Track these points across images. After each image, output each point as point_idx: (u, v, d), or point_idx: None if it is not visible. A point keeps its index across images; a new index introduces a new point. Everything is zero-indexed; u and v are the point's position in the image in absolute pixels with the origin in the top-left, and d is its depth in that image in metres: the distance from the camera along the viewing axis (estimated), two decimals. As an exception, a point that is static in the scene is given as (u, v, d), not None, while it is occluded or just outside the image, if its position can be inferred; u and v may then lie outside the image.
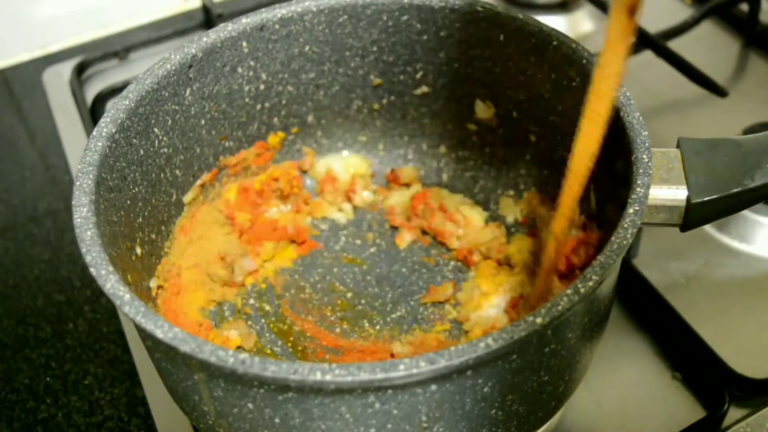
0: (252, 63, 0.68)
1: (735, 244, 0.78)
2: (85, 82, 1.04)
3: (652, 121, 0.91)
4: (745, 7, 1.01)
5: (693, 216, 0.54)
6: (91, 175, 0.54)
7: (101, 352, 0.74)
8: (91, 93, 0.99)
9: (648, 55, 0.95)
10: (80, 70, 1.03)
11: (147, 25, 1.14)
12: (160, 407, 0.68)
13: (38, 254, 0.84)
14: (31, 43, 1.11)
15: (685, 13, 1.03)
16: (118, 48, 1.06)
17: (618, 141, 0.56)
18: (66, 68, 1.05)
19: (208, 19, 1.10)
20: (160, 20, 1.14)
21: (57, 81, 1.05)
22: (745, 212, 0.78)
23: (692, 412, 0.65)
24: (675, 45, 0.94)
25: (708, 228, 0.79)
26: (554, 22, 1.05)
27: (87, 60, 1.04)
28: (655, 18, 1.02)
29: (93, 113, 0.96)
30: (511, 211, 0.74)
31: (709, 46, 1.01)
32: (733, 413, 0.65)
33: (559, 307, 0.45)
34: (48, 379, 0.73)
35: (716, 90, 0.90)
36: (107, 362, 0.73)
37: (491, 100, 0.72)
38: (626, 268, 0.73)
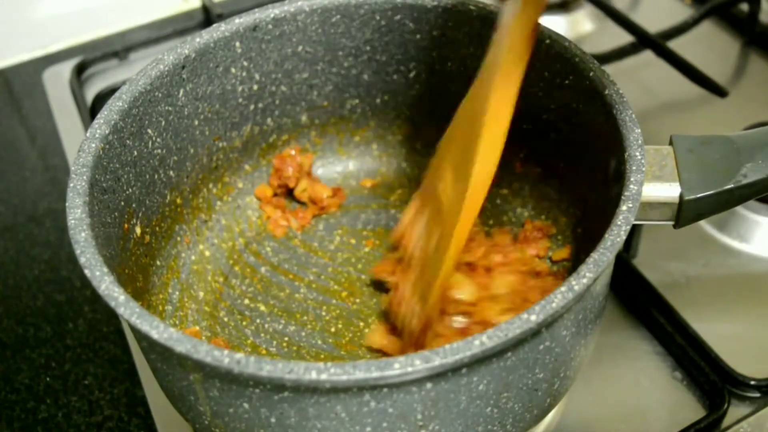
0: (245, 63, 0.68)
1: (735, 244, 0.78)
2: (85, 82, 1.04)
3: (652, 121, 0.91)
4: (745, 7, 1.01)
5: (686, 213, 0.54)
6: (84, 177, 0.54)
7: (101, 352, 0.74)
8: (91, 93, 0.99)
9: (648, 55, 0.95)
10: (80, 70, 1.03)
11: (147, 25, 1.14)
12: (160, 407, 0.68)
13: (38, 254, 0.84)
14: (31, 43, 1.11)
15: (684, 13, 1.03)
16: (118, 48, 1.06)
17: (611, 139, 0.56)
18: (66, 68, 1.05)
19: (208, 19, 1.10)
20: (160, 20, 1.14)
21: (57, 81, 1.05)
22: (745, 212, 0.78)
23: (692, 411, 0.65)
24: (675, 45, 0.94)
25: (708, 228, 0.79)
26: (554, 22, 1.05)
27: (87, 60, 1.04)
28: (655, 18, 1.02)
29: (93, 113, 0.95)
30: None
31: (709, 46, 1.01)
32: (733, 413, 0.64)
33: (553, 305, 0.45)
34: (48, 379, 0.73)
35: (716, 90, 0.90)
36: (107, 362, 0.73)
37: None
38: (626, 268, 0.73)
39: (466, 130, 0.61)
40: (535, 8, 0.55)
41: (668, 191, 0.54)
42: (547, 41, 0.63)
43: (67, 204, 0.52)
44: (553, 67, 0.64)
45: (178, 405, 0.55)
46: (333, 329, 0.68)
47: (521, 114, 0.70)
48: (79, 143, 0.94)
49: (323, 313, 0.69)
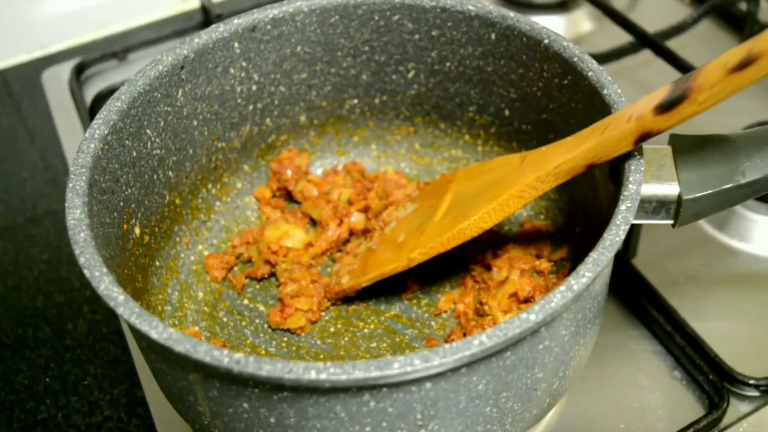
0: (244, 64, 0.68)
1: (734, 243, 0.78)
2: (84, 83, 1.04)
3: (651, 120, 0.91)
4: (743, 6, 1.01)
5: (685, 212, 0.54)
6: (83, 177, 0.54)
7: (101, 352, 0.74)
8: (90, 93, 0.99)
9: (647, 55, 0.95)
10: (79, 70, 1.03)
11: (146, 26, 1.14)
12: (160, 407, 0.68)
13: (38, 254, 0.84)
14: (31, 43, 1.11)
15: (683, 12, 1.03)
16: (117, 48, 1.06)
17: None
18: (65, 69, 1.05)
19: (207, 19, 1.10)
20: (160, 20, 1.15)
21: (56, 81, 1.05)
22: (744, 211, 0.78)
23: (692, 411, 0.65)
24: (674, 44, 0.94)
25: (707, 227, 0.79)
26: (553, 22, 1.05)
27: (86, 60, 1.04)
28: (654, 17, 1.02)
29: (92, 114, 0.95)
30: None
31: (708, 46, 1.01)
32: (733, 412, 0.65)
33: (553, 304, 0.45)
34: (48, 379, 0.73)
35: (716, 89, 0.89)
36: (107, 362, 0.73)
37: (483, 99, 0.72)
38: (626, 267, 0.73)
39: (485, 186, 0.64)
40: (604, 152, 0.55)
41: (667, 191, 0.54)
42: (546, 41, 0.63)
43: (66, 204, 0.52)
44: (552, 67, 0.64)
45: (177, 405, 0.56)
46: (332, 329, 0.68)
47: (521, 114, 0.70)
48: (78, 143, 0.94)
49: (322, 313, 0.69)
